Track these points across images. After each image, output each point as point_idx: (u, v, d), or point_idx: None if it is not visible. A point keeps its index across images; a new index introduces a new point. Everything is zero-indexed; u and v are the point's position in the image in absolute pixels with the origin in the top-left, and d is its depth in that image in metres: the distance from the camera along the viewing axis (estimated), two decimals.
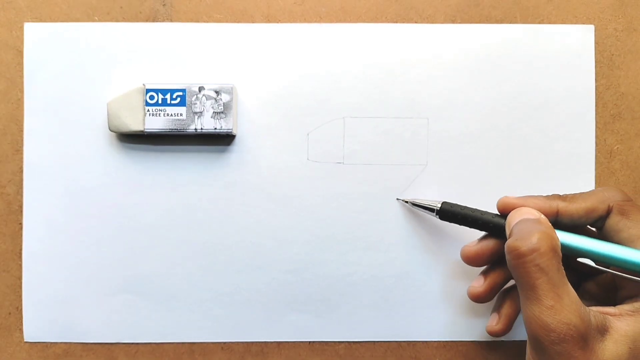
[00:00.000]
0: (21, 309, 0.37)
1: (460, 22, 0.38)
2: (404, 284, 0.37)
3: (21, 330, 0.37)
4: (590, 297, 0.33)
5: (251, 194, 0.37)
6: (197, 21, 0.37)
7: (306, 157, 0.37)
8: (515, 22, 0.38)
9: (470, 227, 0.34)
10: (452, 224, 0.35)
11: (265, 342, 0.37)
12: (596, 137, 0.38)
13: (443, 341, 0.38)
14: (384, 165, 0.37)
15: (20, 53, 0.37)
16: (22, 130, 0.37)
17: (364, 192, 0.37)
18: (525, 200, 0.32)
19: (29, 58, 0.37)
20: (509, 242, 0.29)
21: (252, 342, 0.37)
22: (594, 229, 0.33)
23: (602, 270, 0.31)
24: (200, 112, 0.35)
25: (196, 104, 0.35)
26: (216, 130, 0.35)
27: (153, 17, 0.37)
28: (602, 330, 0.28)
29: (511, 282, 0.34)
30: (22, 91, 0.37)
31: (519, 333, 0.37)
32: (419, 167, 0.37)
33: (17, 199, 0.37)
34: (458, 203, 0.35)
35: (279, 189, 0.37)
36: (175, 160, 0.37)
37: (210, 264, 0.37)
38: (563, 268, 0.28)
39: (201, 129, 0.35)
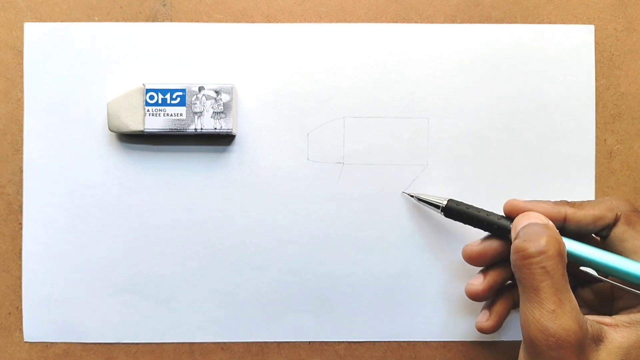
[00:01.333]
0: (21, 309, 0.37)
1: (460, 22, 0.38)
2: (404, 284, 0.37)
3: (21, 330, 0.37)
4: (584, 305, 0.33)
5: (251, 194, 0.37)
6: (197, 21, 0.37)
7: (306, 157, 0.37)
8: (515, 22, 0.38)
9: (474, 226, 0.34)
10: (455, 222, 0.35)
11: (265, 342, 0.37)
12: (596, 137, 0.38)
13: (443, 341, 0.38)
14: (384, 165, 0.37)
15: (20, 53, 0.37)
16: (22, 130, 0.37)
17: (364, 192, 0.37)
18: (533, 204, 0.32)
19: (29, 58, 0.37)
20: (516, 243, 0.29)
21: (252, 342, 0.37)
22: (597, 238, 0.33)
23: (601, 279, 0.31)
24: (200, 112, 0.35)
25: (196, 104, 0.35)
26: (216, 130, 0.35)
27: (153, 17, 0.37)
28: (597, 340, 0.28)
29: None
30: (22, 91, 0.37)
31: (520, 333, 0.37)
32: (419, 167, 0.37)
33: (17, 199, 0.37)
34: (463, 201, 0.35)
35: (279, 189, 0.37)
36: (175, 160, 0.37)
37: (210, 264, 0.37)
38: (567, 274, 0.28)
39: (201, 129, 0.35)
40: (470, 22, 0.38)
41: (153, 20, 0.37)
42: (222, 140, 0.37)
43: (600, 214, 0.31)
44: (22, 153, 0.37)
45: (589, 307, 0.33)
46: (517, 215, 0.32)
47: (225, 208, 0.37)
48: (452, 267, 0.37)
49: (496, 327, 0.34)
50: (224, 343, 0.37)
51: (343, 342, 0.37)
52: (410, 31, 0.37)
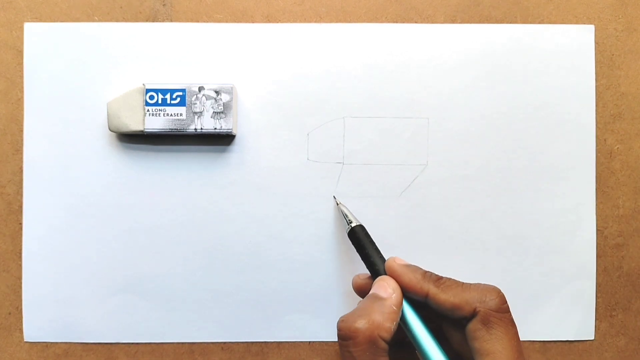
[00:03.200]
0: (21, 309, 0.37)
1: (460, 22, 0.38)
2: None
3: (21, 330, 0.37)
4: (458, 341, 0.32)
5: (251, 194, 0.37)
6: (197, 21, 0.37)
7: (306, 157, 0.37)
8: (515, 22, 0.38)
9: (362, 260, 0.34)
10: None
11: (265, 342, 0.37)
12: (596, 137, 0.38)
13: None
14: (384, 165, 0.37)
15: (20, 53, 0.37)
16: (22, 130, 0.37)
17: (364, 192, 0.37)
18: (403, 271, 0.31)
19: (29, 58, 0.37)
20: (340, 318, 0.30)
21: (252, 342, 0.37)
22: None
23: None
24: (200, 112, 0.35)
25: (196, 104, 0.35)
26: (216, 130, 0.35)
27: (153, 17, 0.37)
28: None
29: None
30: (22, 91, 0.37)
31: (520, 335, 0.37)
32: (419, 167, 0.37)
33: (17, 199, 0.37)
34: (369, 235, 0.34)
35: (279, 189, 0.37)
36: (175, 160, 0.37)
37: (210, 264, 0.37)
38: (385, 357, 0.28)
39: (201, 129, 0.35)
40: (470, 22, 0.38)
41: (153, 20, 0.37)
42: (222, 140, 0.37)
43: (458, 303, 0.30)
44: (22, 153, 0.37)
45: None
46: (384, 274, 0.32)
47: (225, 208, 0.37)
48: (452, 268, 0.37)
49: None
50: (224, 343, 0.37)
51: None
52: (410, 31, 0.37)
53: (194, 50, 0.37)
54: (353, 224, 0.34)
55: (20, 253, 0.37)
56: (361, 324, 0.28)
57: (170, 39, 0.37)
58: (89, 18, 0.37)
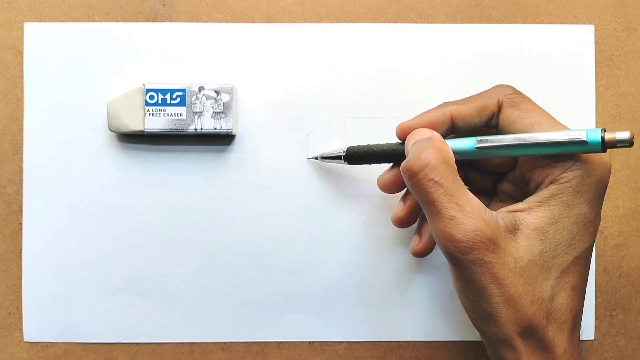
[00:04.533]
0: (21, 309, 0.37)
1: (460, 22, 0.38)
2: (404, 283, 0.37)
3: (21, 330, 0.37)
4: (508, 197, 0.33)
5: (251, 194, 0.37)
6: (197, 21, 0.37)
7: (306, 157, 0.37)
8: (515, 22, 0.38)
9: (377, 162, 0.34)
10: None
11: (265, 342, 0.37)
12: None
13: (443, 341, 0.38)
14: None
15: (20, 53, 0.37)
16: (22, 130, 0.37)
17: (364, 192, 0.37)
18: (419, 118, 0.32)
19: (29, 58, 0.37)
20: (402, 165, 0.29)
21: (252, 342, 0.37)
22: (493, 131, 0.33)
23: (506, 169, 0.32)
24: (200, 112, 0.35)
25: (196, 104, 0.35)
26: (216, 130, 0.35)
27: (153, 17, 0.37)
28: (513, 229, 0.28)
29: None
30: (22, 91, 0.37)
31: None
32: None
33: (17, 199, 0.37)
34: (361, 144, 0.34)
35: (279, 188, 0.37)
36: (175, 160, 0.37)
37: (210, 264, 0.37)
38: (460, 178, 0.29)
39: (201, 129, 0.35)
40: (470, 22, 0.38)
41: (153, 20, 0.37)
42: (222, 140, 0.37)
43: (482, 104, 0.31)
44: (22, 153, 0.37)
45: (513, 197, 0.32)
46: (407, 131, 0.32)
47: (225, 208, 0.37)
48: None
49: (428, 249, 0.34)
50: (224, 343, 0.37)
51: (343, 342, 0.37)
52: (410, 31, 0.37)
53: (194, 50, 0.37)
54: (343, 152, 0.35)
55: (20, 253, 0.37)
56: (427, 152, 0.29)
57: (170, 39, 0.37)
58: (89, 18, 0.37)
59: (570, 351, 0.28)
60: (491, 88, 0.32)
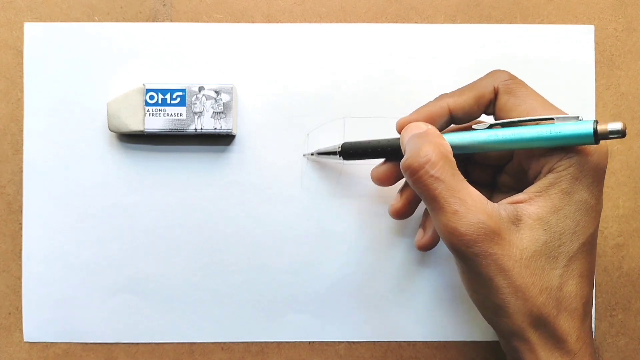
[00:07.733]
0: (21, 309, 0.37)
1: (460, 22, 0.38)
2: (404, 283, 0.37)
3: (21, 330, 0.37)
4: (509, 189, 0.33)
5: (251, 194, 0.37)
6: (197, 21, 0.37)
7: (306, 157, 0.37)
8: (515, 22, 0.38)
9: (373, 157, 0.34)
10: None
11: (265, 342, 0.37)
12: None
13: (443, 341, 0.38)
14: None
15: (20, 53, 0.37)
16: (22, 130, 0.37)
17: (364, 192, 0.37)
18: (417, 113, 0.32)
19: (29, 58, 0.37)
20: (402, 162, 0.29)
21: (252, 342, 0.37)
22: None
23: (504, 160, 0.32)
24: (200, 112, 0.35)
25: (196, 104, 0.35)
26: (216, 130, 0.35)
27: (153, 17, 0.37)
28: (515, 220, 0.28)
29: None
30: (22, 91, 0.37)
31: None
32: None
33: (17, 199, 0.37)
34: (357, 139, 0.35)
35: (279, 188, 0.37)
36: (175, 160, 0.37)
37: (210, 264, 0.37)
38: (459, 172, 0.29)
39: (201, 129, 0.35)
40: (470, 22, 0.38)
41: (153, 20, 0.37)
42: (222, 140, 0.37)
43: (479, 93, 0.31)
44: (22, 153, 0.37)
45: (512, 189, 0.32)
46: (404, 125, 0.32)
47: (225, 208, 0.37)
48: (453, 267, 0.37)
49: (433, 242, 0.34)
50: (224, 343, 0.37)
51: (343, 342, 0.37)
52: (410, 31, 0.37)
53: (194, 50, 0.37)
54: (338, 148, 0.34)
55: (20, 253, 0.37)
56: (425, 149, 0.29)
57: (170, 39, 0.37)
58: (89, 18, 0.37)
59: (582, 339, 0.28)
60: (487, 74, 0.32)
